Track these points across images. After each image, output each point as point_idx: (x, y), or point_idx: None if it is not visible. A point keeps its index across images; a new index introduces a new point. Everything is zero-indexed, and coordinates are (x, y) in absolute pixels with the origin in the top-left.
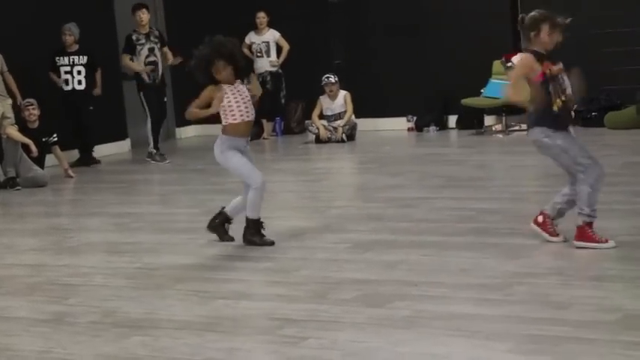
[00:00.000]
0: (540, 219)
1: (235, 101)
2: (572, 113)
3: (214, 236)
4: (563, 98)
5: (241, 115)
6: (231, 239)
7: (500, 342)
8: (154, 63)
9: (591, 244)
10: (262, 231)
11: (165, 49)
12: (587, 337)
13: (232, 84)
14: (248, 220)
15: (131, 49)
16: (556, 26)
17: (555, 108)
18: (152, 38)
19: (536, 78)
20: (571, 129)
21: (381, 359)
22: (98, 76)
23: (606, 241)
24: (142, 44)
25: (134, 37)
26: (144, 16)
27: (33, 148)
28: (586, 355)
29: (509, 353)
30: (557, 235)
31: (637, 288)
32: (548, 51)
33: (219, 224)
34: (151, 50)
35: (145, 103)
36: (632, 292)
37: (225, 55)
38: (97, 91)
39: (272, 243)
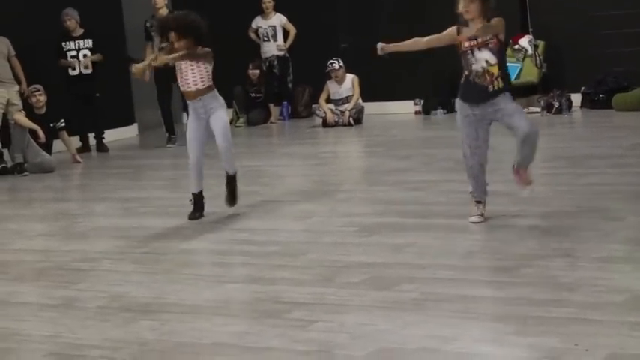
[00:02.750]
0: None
1: (181, 70)
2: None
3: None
4: (466, 72)
5: (182, 85)
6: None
7: (508, 324)
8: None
9: None
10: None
11: None
12: (594, 319)
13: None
14: None
15: (148, 36)
16: None
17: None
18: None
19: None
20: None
21: (389, 342)
22: (95, 57)
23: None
24: (155, 30)
25: (148, 24)
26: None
27: (41, 134)
28: (593, 337)
29: (516, 335)
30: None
31: None
32: (467, 21)
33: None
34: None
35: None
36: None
37: (178, 27)
38: (90, 60)
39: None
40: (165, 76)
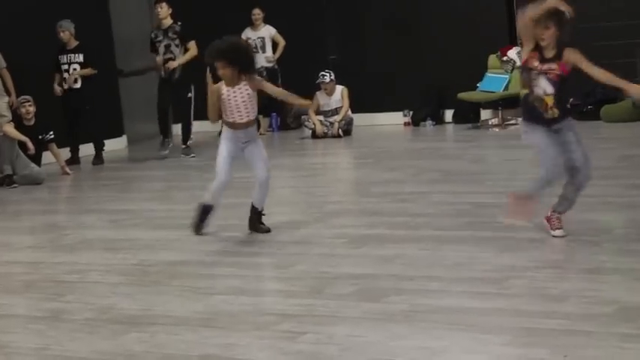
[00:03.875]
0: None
1: (228, 101)
2: (555, 116)
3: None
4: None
5: (232, 116)
6: (268, 230)
7: (496, 335)
8: (171, 60)
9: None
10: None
11: (190, 44)
12: (583, 330)
13: (232, 85)
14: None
15: (153, 48)
16: (538, 20)
17: (530, 98)
18: (170, 34)
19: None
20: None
21: (378, 353)
22: (85, 71)
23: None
24: (160, 41)
25: (152, 35)
26: (160, 10)
27: (30, 145)
28: (582, 348)
29: (505, 346)
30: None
31: (633, 280)
32: (546, 45)
33: (256, 220)
34: (167, 47)
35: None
36: (628, 285)
37: (226, 56)
38: (75, 76)
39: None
40: (170, 89)
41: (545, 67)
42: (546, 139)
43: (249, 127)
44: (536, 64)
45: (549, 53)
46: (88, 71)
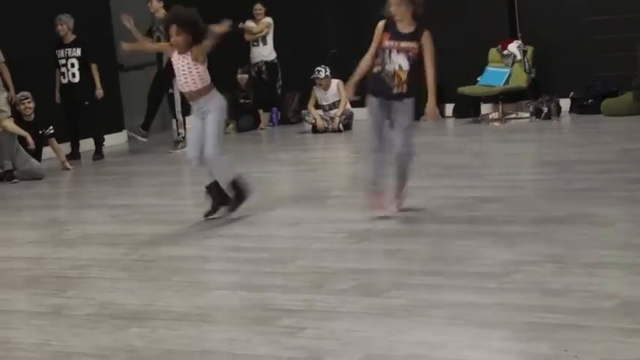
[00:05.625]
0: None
1: (176, 68)
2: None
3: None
4: (379, 69)
5: (179, 83)
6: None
7: (497, 330)
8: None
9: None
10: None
11: None
12: (584, 325)
13: (182, 52)
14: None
15: (148, 32)
16: None
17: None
18: (161, 27)
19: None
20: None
21: (378, 348)
22: (95, 73)
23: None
24: (154, 31)
25: (154, 29)
26: (150, 5)
27: (30, 140)
28: (583, 343)
29: (506, 341)
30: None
31: (633, 275)
32: (399, 20)
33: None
34: (158, 39)
35: None
36: (629, 279)
37: (183, 23)
38: (100, 92)
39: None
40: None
41: (404, 44)
42: (379, 112)
43: (199, 99)
44: (390, 43)
45: (405, 29)
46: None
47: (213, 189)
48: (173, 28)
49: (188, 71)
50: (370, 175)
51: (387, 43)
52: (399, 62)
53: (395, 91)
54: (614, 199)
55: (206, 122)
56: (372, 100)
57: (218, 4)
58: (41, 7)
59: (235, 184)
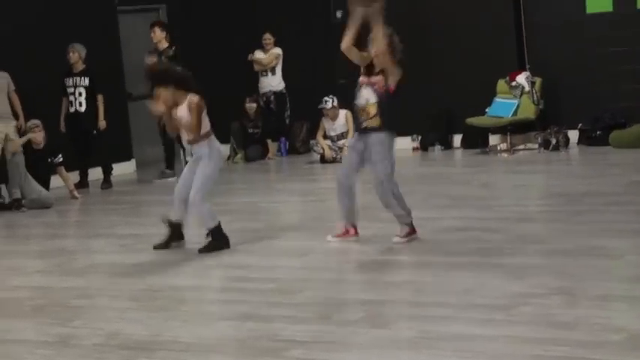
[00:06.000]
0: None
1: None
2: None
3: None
4: (355, 105)
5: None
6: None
7: None
8: None
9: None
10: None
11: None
12: (591, 358)
13: (176, 105)
14: None
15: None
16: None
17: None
18: (162, 58)
19: None
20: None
21: None
22: (100, 104)
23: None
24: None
25: (147, 53)
26: (154, 35)
27: (37, 140)
28: None
29: None
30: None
31: None
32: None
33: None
34: None
35: None
36: (638, 313)
37: (157, 79)
38: (102, 123)
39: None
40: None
41: (373, 79)
42: (354, 145)
43: (197, 143)
44: (363, 79)
45: (378, 69)
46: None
47: (176, 227)
48: (156, 90)
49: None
50: (338, 203)
51: (360, 79)
52: (366, 97)
53: (364, 125)
54: (622, 232)
55: (199, 167)
56: (355, 135)
57: (227, 33)
58: (52, 37)
59: (214, 234)
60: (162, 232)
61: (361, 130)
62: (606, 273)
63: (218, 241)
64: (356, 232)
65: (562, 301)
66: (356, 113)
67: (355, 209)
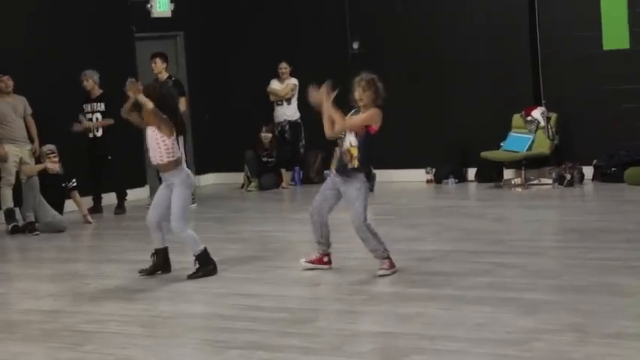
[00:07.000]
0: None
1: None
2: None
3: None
4: (339, 148)
5: (150, 158)
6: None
7: None
8: None
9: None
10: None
11: (182, 99)
12: None
13: (149, 124)
14: None
15: None
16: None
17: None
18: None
19: None
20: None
21: None
22: (104, 121)
23: None
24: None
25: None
26: (154, 65)
27: (50, 166)
28: None
29: None
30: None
31: None
32: (362, 106)
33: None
34: None
35: None
36: None
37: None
38: (90, 124)
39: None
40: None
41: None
42: (330, 183)
43: (164, 173)
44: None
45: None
46: (107, 121)
47: (160, 254)
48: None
49: (155, 144)
50: (313, 234)
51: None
52: (349, 140)
53: (349, 166)
54: (636, 269)
55: (172, 196)
56: (334, 173)
57: (244, 62)
58: (68, 62)
59: (201, 259)
60: (172, 259)
61: (344, 171)
62: (619, 310)
63: (205, 266)
64: (329, 261)
65: (574, 337)
66: (341, 154)
67: (329, 238)
